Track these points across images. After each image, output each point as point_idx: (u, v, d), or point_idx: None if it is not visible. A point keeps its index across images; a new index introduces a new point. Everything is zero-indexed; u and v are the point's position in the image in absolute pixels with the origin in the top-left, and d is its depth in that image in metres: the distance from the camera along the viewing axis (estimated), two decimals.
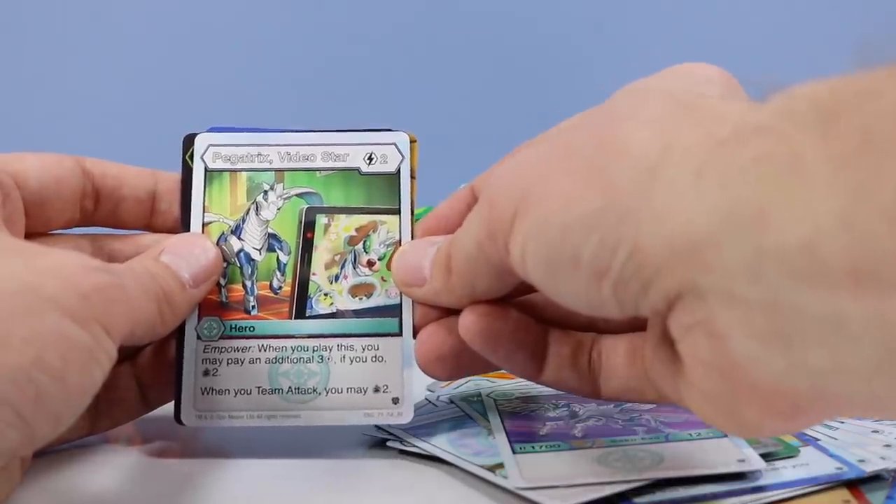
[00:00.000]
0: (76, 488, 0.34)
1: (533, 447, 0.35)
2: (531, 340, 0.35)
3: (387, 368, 0.38)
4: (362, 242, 0.39)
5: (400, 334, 0.38)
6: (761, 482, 0.33)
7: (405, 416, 0.37)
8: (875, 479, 0.33)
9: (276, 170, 0.39)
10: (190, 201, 0.39)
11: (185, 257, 0.36)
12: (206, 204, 0.39)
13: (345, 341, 0.38)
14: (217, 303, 0.38)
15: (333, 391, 0.37)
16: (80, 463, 0.36)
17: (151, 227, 0.40)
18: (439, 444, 0.36)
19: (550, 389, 0.41)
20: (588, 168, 0.27)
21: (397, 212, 0.39)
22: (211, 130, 0.40)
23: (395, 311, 0.39)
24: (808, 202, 0.21)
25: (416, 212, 0.51)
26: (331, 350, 0.38)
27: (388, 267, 0.39)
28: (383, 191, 0.39)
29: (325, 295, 0.38)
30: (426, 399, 0.41)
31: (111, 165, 0.39)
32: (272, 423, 0.37)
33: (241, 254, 0.38)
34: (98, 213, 0.39)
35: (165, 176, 0.40)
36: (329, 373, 0.38)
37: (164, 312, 0.34)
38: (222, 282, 0.38)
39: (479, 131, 0.92)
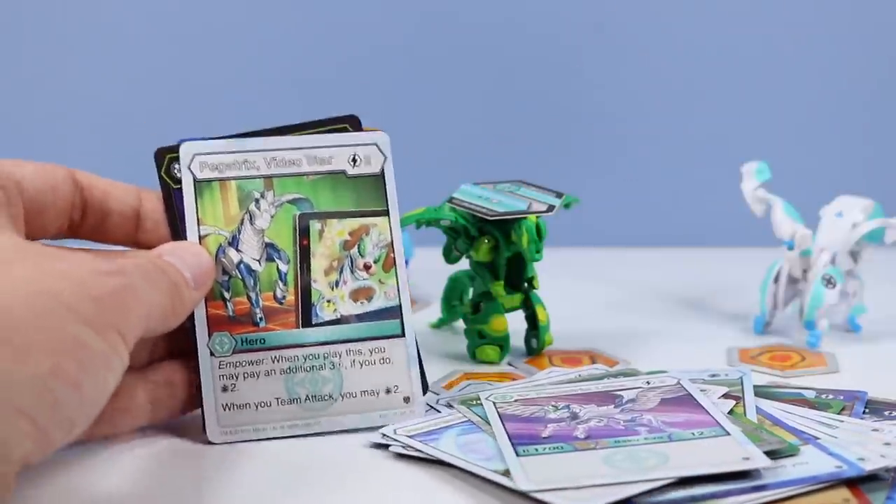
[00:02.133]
0: (75, 488, 0.34)
1: (536, 449, 0.35)
2: None
3: (395, 369, 0.38)
4: (357, 246, 0.39)
5: (403, 335, 0.39)
6: (762, 481, 0.33)
7: (417, 413, 0.38)
8: (875, 478, 0.33)
9: (265, 176, 0.39)
10: (176, 215, 0.39)
11: (185, 259, 0.36)
12: (199, 216, 0.38)
13: (353, 346, 0.38)
14: (225, 317, 0.38)
15: (348, 396, 0.38)
16: (80, 463, 0.36)
17: (137, 245, 0.40)
18: (448, 450, 0.36)
19: (550, 391, 0.41)
20: None
21: (386, 213, 0.40)
22: (181, 142, 0.39)
23: (395, 312, 0.39)
24: None
25: (415, 212, 0.51)
26: (340, 356, 0.38)
27: (385, 269, 0.39)
28: (370, 193, 0.40)
29: (329, 302, 0.39)
30: (427, 404, 0.41)
31: (99, 179, 0.39)
32: (294, 431, 0.38)
33: (242, 266, 0.39)
34: (84, 226, 0.39)
35: (149, 194, 0.40)
36: (342, 378, 0.38)
37: (175, 305, 0.34)
38: (227, 295, 0.38)
39: (480, 132, 0.92)
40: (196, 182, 0.39)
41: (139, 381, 0.38)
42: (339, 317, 0.39)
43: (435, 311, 0.58)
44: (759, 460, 0.33)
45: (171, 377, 0.38)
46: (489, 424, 0.38)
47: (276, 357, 0.38)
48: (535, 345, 0.52)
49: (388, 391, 0.38)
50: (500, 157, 0.90)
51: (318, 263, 0.39)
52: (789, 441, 0.36)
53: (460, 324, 0.54)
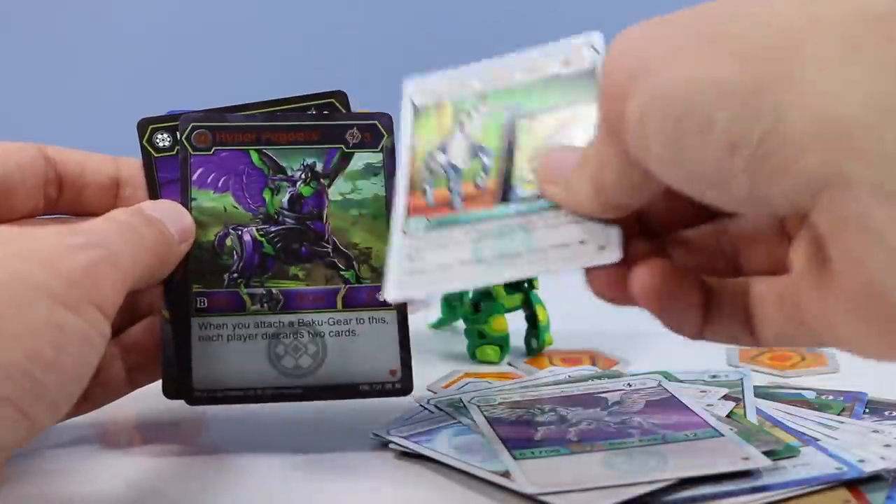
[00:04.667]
0: (73, 492, 0.34)
1: (532, 452, 0.35)
2: (698, 300, 0.32)
3: (588, 224, 0.34)
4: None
5: None
6: (761, 482, 0.32)
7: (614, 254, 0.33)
8: (875, 479, 0.33)
9: (479, 94, 0.39)
10: (156, 183, 0.39)
11: (167, 215, 0.36)
12: (414, 136, 0.39)
13: (550, 212, 0.35)
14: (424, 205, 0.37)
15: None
16: (80, 466, 0.36)
17: None
18: (443, 451, 0.36)
19: (532, 395, 0.41)
20: (721, 36, 0.24)
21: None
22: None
23: None
24: None
25: None
26: (536, 223, 0.35)
27: None
28: (580, 88, 0.38)
29: (528, 182, 0.36)
30: (420, 405, 0.41)
31: (73, 152, 0.39)
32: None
33: (448, 165, 0.38)
34: (62, 201, 0.39)
35: (127, 162, 0.39)
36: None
37: (163, 256, 0.34)
38: (428, 188, 0.37)
39: None
40: (415, 110, 0.40)
41: (114, 349, 0.38)
42: (539, 194, 0.35)
43: (435, 312, 0.58)
44: (759, 460, 0.33)
45: (145, 339, 0.38)
46: (478, 426, 0.38)
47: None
48: (535, 345, 0.51)
49: (582, 242, 0.35)
50: None
51: (522, 154, 0.37)
52: (789, 442, 0.35)
53: (460, 324, 0.54)
